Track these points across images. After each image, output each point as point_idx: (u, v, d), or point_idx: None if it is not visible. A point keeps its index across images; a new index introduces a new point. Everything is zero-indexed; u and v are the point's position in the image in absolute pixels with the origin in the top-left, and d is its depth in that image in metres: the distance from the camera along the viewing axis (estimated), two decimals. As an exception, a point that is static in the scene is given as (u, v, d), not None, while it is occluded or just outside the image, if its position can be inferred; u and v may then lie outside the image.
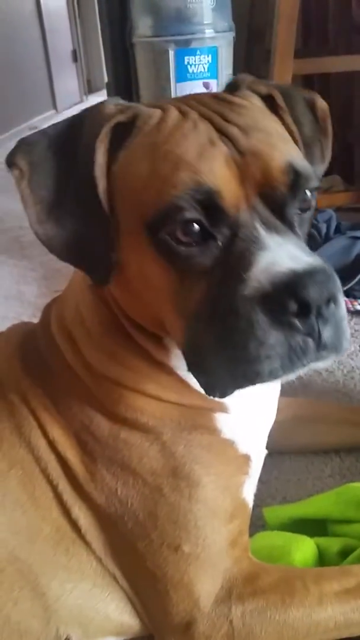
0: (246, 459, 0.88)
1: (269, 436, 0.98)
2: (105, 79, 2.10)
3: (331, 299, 0.66)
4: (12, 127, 5.27)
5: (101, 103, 0.75)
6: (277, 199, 0.70)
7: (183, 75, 1.79)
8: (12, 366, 0.90)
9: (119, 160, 0.72)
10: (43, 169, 0.72)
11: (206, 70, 1.79)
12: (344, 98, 2.82)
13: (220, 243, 0.68)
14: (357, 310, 1.68)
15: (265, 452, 0.97)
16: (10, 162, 0.72)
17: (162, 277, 0.71)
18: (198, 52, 1.76)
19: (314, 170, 0.76)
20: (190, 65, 1.77)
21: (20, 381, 0.88)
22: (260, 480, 0.96)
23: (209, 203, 0.67)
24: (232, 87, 0.83)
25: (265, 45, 2.83)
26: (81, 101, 7.26)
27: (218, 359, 0.68)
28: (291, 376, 0.68)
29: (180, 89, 1.80)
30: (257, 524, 1.02)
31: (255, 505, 1.02)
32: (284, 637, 0.79)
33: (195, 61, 1.77)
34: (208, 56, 1.78)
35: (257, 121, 0.74)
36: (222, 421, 0.86)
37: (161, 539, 0.80)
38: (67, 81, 6.95)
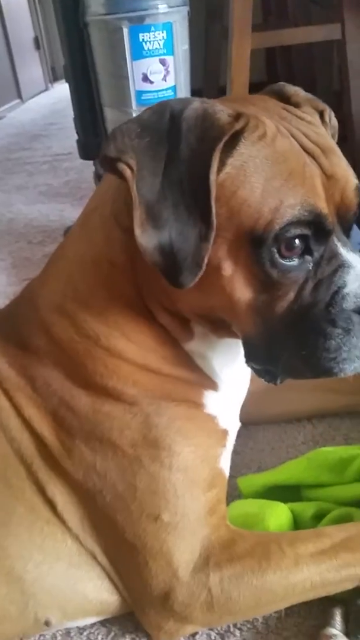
0: (225, 433, 0.90)
1: (244, 408, 0.99)
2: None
3: None
4: (-23, 118, 5.18)
5: (202, 104, 0.73)
6: (350, 218, 0.78)
7: (139, 52, 1.76)
8: None
9: (226, 168, 0.73)
10: (149, 167, 0.71)
11: (162, 46, 1.76)
12: (306, 71, 2.82)
13: (314, 258, 0.75)
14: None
15: (239, 424, 0.98)
16: (116, 158, 0.70)
17: (251, 284, 0.75)
18: (152, 28, 1.73)
19: None
20: (146, 42, 1.74)
21: None
22: (235, 451, 0.97)
23: (318, 224, 0.73)
24: (280, 94, 0.86)
25: (223, 21, 2.81)
26: (46, 89, 7.14)
27: (298, 356, 0.77)
28: None
29: (137, 67, 1.76)
30: (233, 494, 1.02)
31: (231, 476, 1.03)
32: (262, 601, 0.80)
33: (150, 38, 1.74)
34: (163, 32, 1.75)
35: (330, 142, 0.79)
36: (209, 397, 0.88)
37: (140, 510, 0.81)
38: (31, 69, 6.82)
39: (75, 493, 0.83)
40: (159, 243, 0.70)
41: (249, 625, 0.86)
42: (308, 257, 0.75)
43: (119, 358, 0.84)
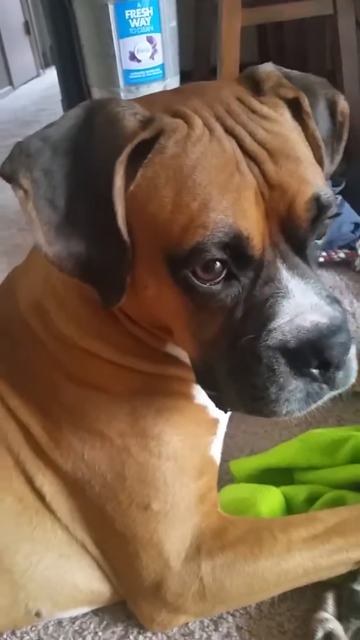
0: (215, 421, 0.89)
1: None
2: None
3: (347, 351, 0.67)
4: (-32, 105, 5.12)
5: (115, 107, 0.65)
6: (300, 235, 0.67)
7: (125, 30, 1.72)
8: None
9: (137, 179, 0.65)
10: (48, 185, 0.64)
11: (149, 23, 1.73)
12: (298, 50, 2.77)
13: (242, 283, 0.66)
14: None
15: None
16: (10, 177, 0.65)
17: (179, 305, 0.69)
18: (139, 5, 1.69)
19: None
20: (132, 19, 1.71)
21: None
22: (228, 434, 0.96)
23: (238, 247, 0.64)
24: (252, 79, 0.75)
25: (214, -1, 2.76)
26: (37, 75, 7.08)
27: (232, 387, 0.69)
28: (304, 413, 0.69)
29: (124, 45, 1.73)
30: (225, 478, 1.01)
31: (224, 460, 1.02)
32: (255, 588, 0.79)
33: (136, 14, 1.70)
34: (149, 8, 1.71)
35: (287, 144, 0.68)
36: (198, 389, 0.85)
37: (130, 499, 0.79)
38: (22, 55, 6.75)
39: (64, 483, 0.82)
40: (74, 260, 0.66)
41: (242, 611, 0.85)
42: (235, 282, 0.66)
43: (98, 358, 0.81)
